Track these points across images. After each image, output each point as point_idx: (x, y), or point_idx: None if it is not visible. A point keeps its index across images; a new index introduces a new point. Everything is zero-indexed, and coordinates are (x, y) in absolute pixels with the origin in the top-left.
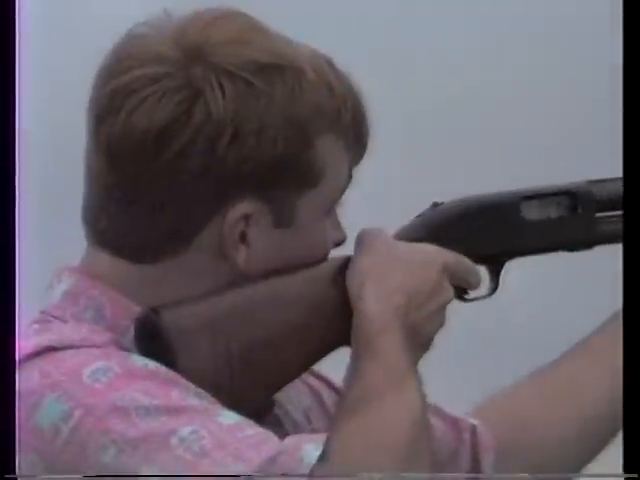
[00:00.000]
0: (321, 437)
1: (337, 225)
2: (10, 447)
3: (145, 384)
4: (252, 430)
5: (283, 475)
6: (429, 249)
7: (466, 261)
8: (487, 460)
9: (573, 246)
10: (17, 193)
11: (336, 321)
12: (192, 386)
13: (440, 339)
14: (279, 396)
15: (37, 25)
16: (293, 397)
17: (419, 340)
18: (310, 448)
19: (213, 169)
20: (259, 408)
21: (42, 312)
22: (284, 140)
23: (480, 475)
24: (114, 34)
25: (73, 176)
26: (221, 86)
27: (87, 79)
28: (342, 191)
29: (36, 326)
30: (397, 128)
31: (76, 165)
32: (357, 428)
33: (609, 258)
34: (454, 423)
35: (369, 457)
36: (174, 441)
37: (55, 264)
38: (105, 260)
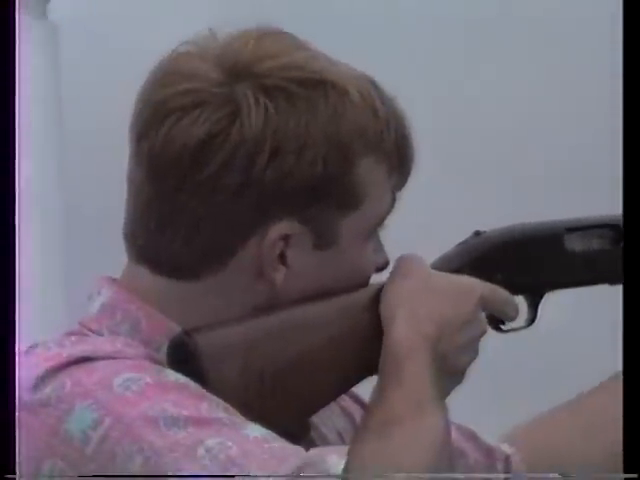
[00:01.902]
0: (345, 449)
1: (379, 249)
2: (10, 447)
3: (175, 395)
4: (278, 443)
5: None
6: (466, 280)
7: (503, 292)
8: None
9: (614, 280)
10: (17, 196)
11: (369, 349)
12: (221, 402)
13: (476, 365)
14: (314, 418)
15: (77, 50)
16: (327, 419)
17: (449, 370)
18: (334, 459)
19: (252, 187)
20: (294, 431)
21: (80, 323)
22: (324, 160)
23: (486, 475)
24: (156, 54)
25: (116, 192)
26: (261, 103)
27: (130, 95)
28: (385, 215)
29: (73, 338)
30: (442, 154)
31: (120, 180)
32: (376, 450)
33: None
34: (488, 452)
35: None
36: (200, 451)
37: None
38: (144, 275)
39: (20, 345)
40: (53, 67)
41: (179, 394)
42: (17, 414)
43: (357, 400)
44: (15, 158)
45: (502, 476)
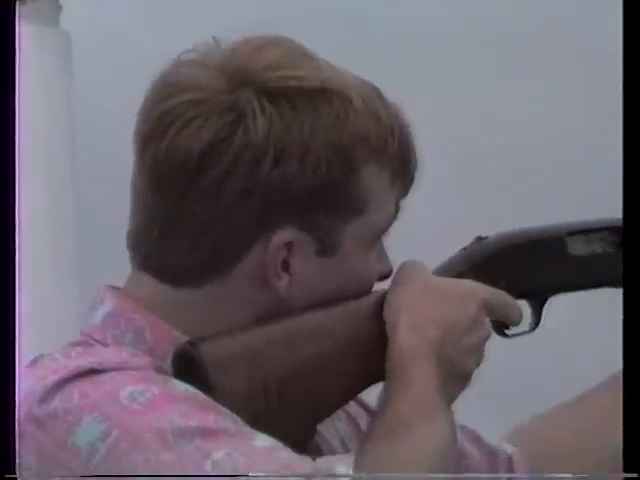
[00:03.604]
0: (351, 458)
1: (383, 257)
2: (10, 447)
3: (182, 406)
4: (286, 453)
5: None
6: (468, 284)
7: (506, 297)
8: None
9: (617, 283)
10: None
11: (374, 355)
12: (229, 412)
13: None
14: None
15: (83, 54)
16: (330, 424)
17: (455, 374)
18: (341, 469)
19: (255, 193)
20: (299, 438)
21: (82, 333)
22: (327, 166)
23: (488, 475)
24: (160, 61)
25: (121, 200)
26: (265, 110)
27: (134, 104)
28: (388, 222)
29: (79, 349)
30: (445, 161)
31: (124, 190)
32: (384, 454)
33: None
34: (491, 454)
35: None
36: (207, 465)
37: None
38: (148, 284)
39: (21, 351)
40: (65, 74)
41: (186, 405)
42: (17, 413)
43: (362, 405)
44: (15, 165)
45: (505, 476)
